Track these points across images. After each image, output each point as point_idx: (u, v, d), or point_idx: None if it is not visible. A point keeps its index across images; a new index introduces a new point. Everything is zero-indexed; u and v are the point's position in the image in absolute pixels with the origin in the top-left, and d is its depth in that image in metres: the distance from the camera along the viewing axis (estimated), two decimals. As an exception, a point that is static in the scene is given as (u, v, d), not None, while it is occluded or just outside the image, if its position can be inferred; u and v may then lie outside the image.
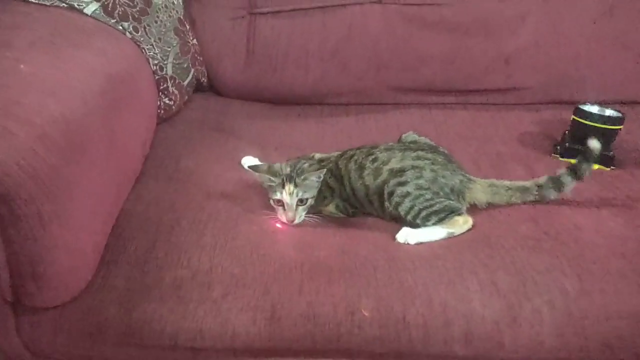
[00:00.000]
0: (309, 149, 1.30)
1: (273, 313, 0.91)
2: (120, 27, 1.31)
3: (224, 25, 1.59)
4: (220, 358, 0.93)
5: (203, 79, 1.62)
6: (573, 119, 1.38)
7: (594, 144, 1.11)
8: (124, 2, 1.35)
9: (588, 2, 1.61)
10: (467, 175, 1.14)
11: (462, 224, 1.08)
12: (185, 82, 1.51)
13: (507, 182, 1.16)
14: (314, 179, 1.11)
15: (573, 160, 1.13)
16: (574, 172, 1.11)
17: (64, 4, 1.25)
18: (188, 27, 1.55)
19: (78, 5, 1.26)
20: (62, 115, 0.83)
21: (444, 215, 1.07)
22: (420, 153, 1.12)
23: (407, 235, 1.06)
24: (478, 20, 1.61)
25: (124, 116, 1.08)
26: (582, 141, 1.14)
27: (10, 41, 1.00)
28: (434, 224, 1.07)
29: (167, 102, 1.45)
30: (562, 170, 1.13)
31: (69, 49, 1.04)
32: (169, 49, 1.44)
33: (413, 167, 1.09)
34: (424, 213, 1.06)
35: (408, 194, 1.06)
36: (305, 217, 1.11)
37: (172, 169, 1.27)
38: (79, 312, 0.91)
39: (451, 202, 1.08)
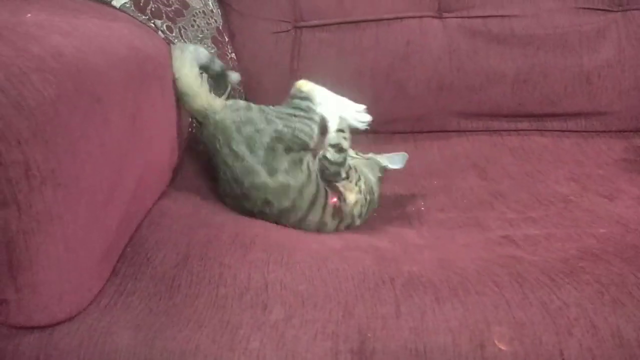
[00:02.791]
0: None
1: (362, 344, 0.61)
2: (153, 25, 1.12)
3: (265, 39, 1.41)
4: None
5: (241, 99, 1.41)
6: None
7: None
8: (158, -1, 1.17)
9: (675, 14, 1.42)
10: None
11: None
12: (222, 98, 1.30)
13: None
14: None
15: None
16: None
17: (89, -4, 1.07)
18: (227, 39, 1.37)
19: (105, -3, 1.08)
20: (73, 55, 0.59)
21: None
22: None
23: None
24: (553, 34, 1.42)
25: (151, 98, 0.84)
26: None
27: (19, 8, 0.80)
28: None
29: (200, 118, 1.23)
30: None
31: (89, 17, 0.84)
32: (206, 58, 1.25)
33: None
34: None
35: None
36: None
37: (207, 186, 1.03)
38: (77, 337, 0.60)
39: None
